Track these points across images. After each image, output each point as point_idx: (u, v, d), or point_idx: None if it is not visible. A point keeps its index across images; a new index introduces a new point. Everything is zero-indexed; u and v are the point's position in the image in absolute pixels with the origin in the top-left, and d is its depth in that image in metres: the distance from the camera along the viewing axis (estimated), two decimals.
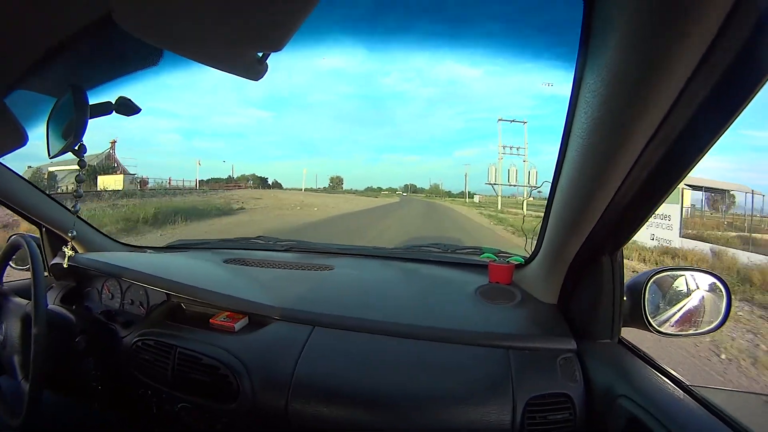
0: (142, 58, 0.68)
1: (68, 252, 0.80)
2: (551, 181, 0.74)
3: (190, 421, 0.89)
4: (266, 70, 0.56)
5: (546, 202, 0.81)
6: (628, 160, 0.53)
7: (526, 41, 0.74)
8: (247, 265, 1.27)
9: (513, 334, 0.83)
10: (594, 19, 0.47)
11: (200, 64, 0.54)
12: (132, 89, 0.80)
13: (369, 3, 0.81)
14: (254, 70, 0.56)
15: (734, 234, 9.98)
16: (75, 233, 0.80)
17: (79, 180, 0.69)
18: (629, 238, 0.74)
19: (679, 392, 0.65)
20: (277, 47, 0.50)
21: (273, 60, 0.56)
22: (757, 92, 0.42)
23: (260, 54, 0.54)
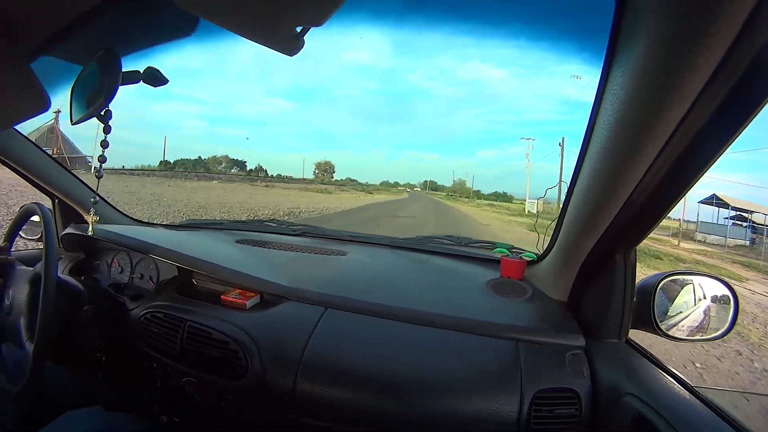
0: (176, 26, 0.69)
1: (92, 218, 0.79)
2: (570, 179, 0.75)
3: (195, 396, 0.90)
4: (302, 46, 0.57)
5: (563, 200, 0.82)
6: (648, 157, 0.54)
7: (553, 43, 0.74)
8: (260, 246, 1.28)
9: (523, 327, 0.83)
10: (625, 17, 0.49)
11: (232, 43, 0.53)
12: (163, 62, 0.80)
13: None
14: (291, 45, 0.55)
15: None
16: (97, 199, 0.80)
17: (104, 145, 0.69)
18: (644, 237, 0.74)
19: (686, 393, 0.66)
20: (319, 22, 0.50)
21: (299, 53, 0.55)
22: None
23: (299, 29, 0.54)
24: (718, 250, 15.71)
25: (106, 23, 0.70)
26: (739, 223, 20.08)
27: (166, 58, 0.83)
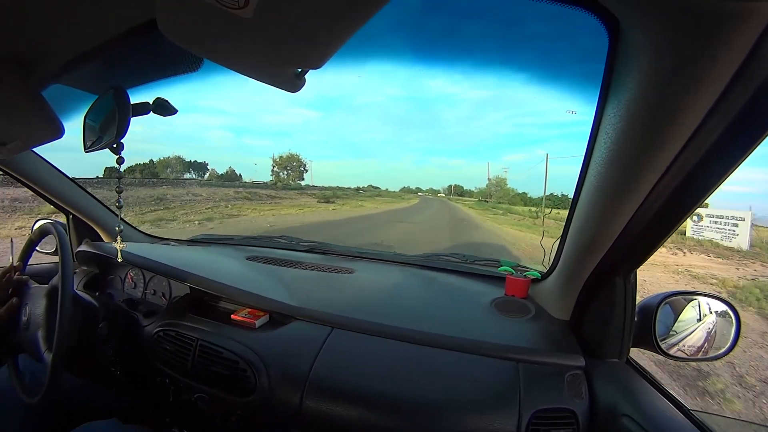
0: (182, 63, 0.71)
1: (119, 245, 0.85)
2: (571, 199, 0.76)
3: (206, 411, 0.93)
4: (304, 84, 0.58)
5: (565, 218, 0.82)
6: (644, 189, 0.55)
7: (571, 42, 0.73)
8: (270, 263, 1.30)
9: (524, 347, 0.84)
10: (618, 53, 0.49)
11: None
12: (177, 87, 0.82)
13: (416, 5, 0.80)
14: (292, 84, 0.57)
15: None
16: (122, 227, 0.84)
17: (118, 176, 0.74)
18: (643, 261, 0.75)
19: (681, 417, 0.67)
20: (316, 66, 0.51)
21: None
22: None
23: (299, 69, 0.55)
24: None
25: (116, 57, 0.72)
26: None
27: (187, 81, 0.85)
